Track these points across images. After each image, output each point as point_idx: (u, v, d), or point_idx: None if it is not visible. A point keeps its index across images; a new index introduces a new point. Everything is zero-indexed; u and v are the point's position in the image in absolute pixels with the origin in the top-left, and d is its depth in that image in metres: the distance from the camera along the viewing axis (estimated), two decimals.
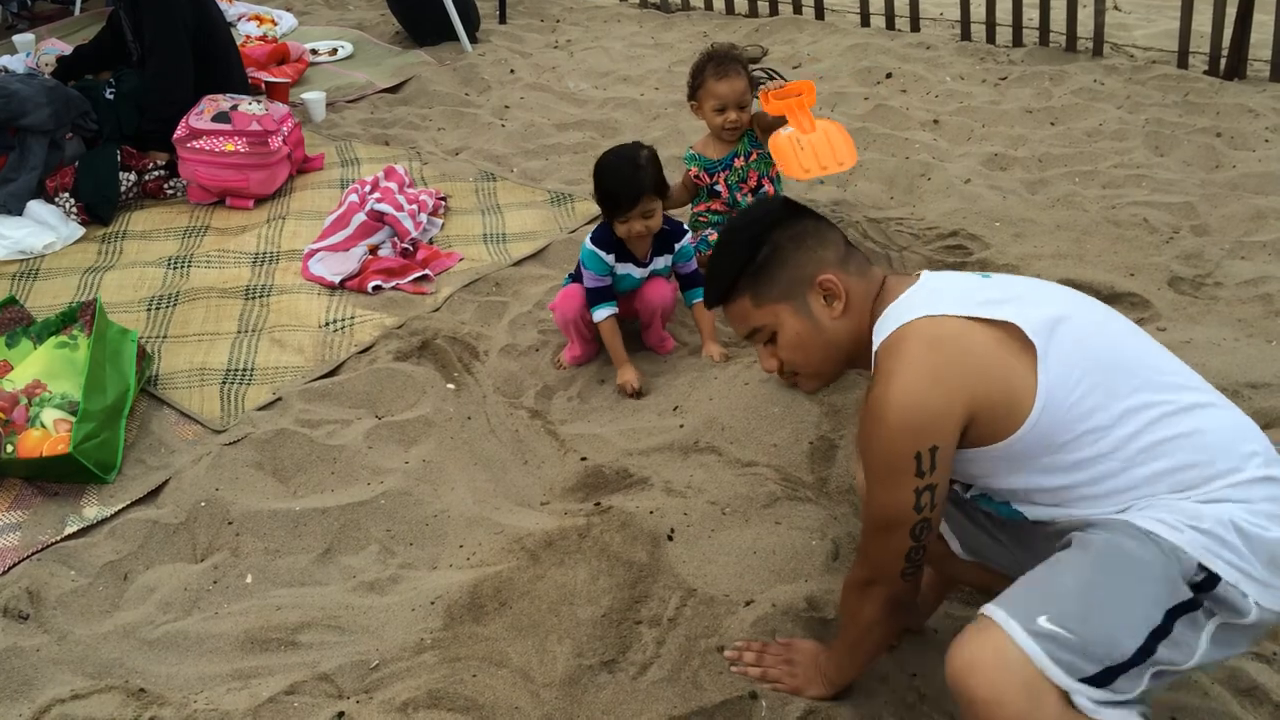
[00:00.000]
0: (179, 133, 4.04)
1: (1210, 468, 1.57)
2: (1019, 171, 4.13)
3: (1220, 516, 1.52)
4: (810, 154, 3.28)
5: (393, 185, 3.86)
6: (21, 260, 3.76)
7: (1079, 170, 4.07)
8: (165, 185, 4.19)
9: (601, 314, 3.04)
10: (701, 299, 2.79)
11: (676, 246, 3.12)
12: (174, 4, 4.20)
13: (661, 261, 3.12)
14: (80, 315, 2.88)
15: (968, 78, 5.00)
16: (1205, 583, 1.50)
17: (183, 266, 3.67)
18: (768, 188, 3.56)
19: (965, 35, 5.46)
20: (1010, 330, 1.62)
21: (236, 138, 4.00)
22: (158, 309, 3.43)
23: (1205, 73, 4.87)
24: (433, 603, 2.32)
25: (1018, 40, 5.33)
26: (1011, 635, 1.46)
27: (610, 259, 3.02)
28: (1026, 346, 1.60)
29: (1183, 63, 4.95)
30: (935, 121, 4.58)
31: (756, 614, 2.21)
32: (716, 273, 1.87)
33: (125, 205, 4.13)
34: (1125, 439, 1.58)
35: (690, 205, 3.63)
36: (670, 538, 2.47)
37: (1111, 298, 3.23)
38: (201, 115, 4.07)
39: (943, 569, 2.05)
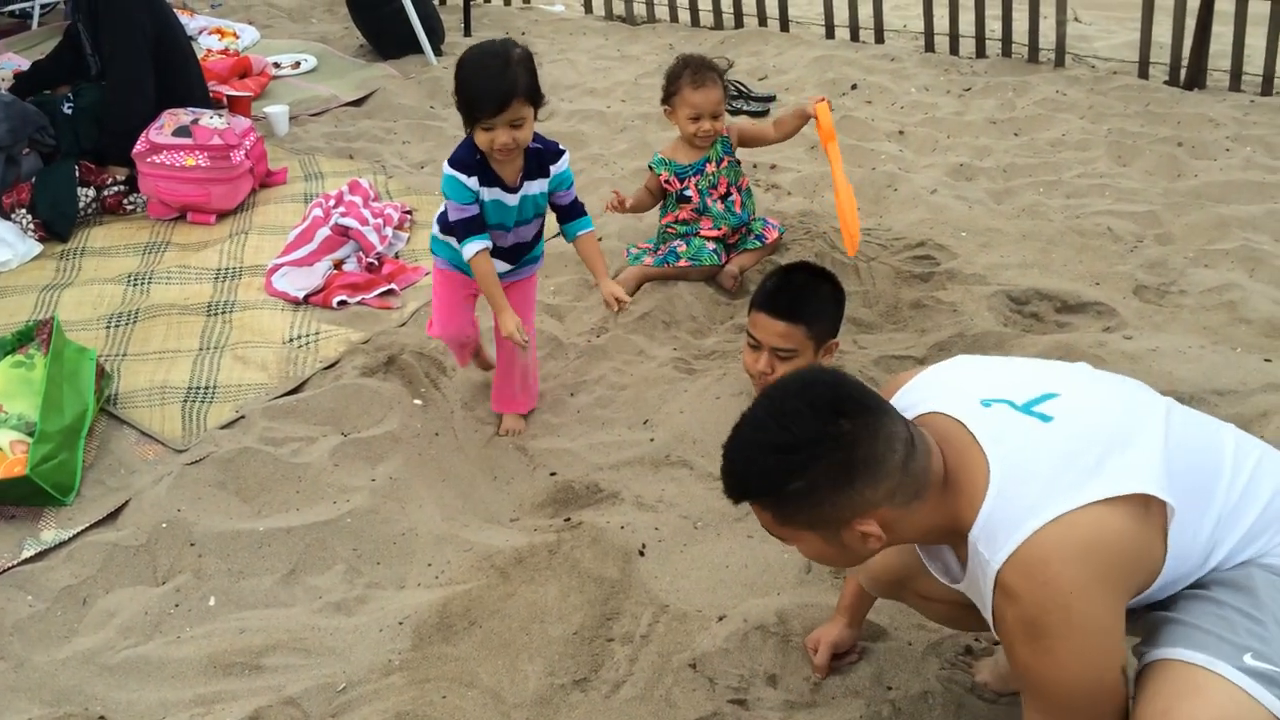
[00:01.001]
0: (139, 147, 3.98)
1: None
2: (984, 181, 4.15)
3: None
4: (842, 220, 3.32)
5: (357, 199, 3.82)
6: None
7: (1043, 180, 4.10)
8: (125, 200, 4.12)
9: (473, 248, 2.59)
10: (586, 231, 2.75)
11: (552, 169, 2.66)
12: (132, 17, 4.14)
13: (535, 187, 2.65)
14: (37, 334, 2.82)
15: (932, 89, 5.03)
16: None
17: (143, 283, 3.60)
18: (735, 197, 3.56)
19: (929, 47, 5.49)
20: (1136, 498, 1.47)
21: (197, 152, 3.95)
22: (117, 326, 3.37)
23: (1166, 83, 4.92)
24: (401, 623, 2.29)
25: (981, 51, 5.37)
26: (1227, 676, 1.41)
27: (474, 182, 2.56)
28: (1153, 507, 1.49)
29: (1143, 73, 5.00)
30: (900, 132, 4.59)
31: (729, 629, 2.19)
32: (737, 470, 1.57)
33: (84, 221, 4.06)
34: (1226, 536, 1.56)
35: (659, 216, 3.62)
36: (642, 553, 2.45)
37: (1077, 306, 3.25)
38: (162, 129, 4.01)
39: (888, 591, 1.98)
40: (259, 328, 3.35)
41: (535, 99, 2.52)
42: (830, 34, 5.74)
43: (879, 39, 5.62)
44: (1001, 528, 1.48)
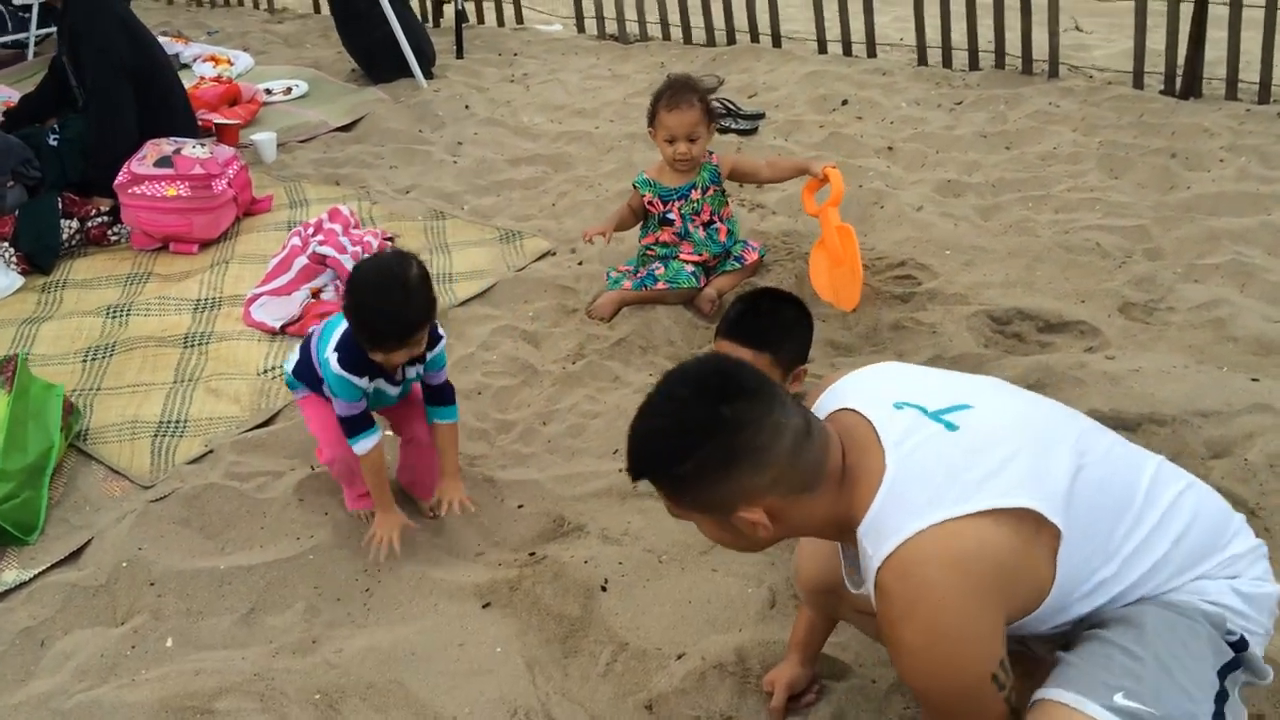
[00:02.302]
0: (121, 178, 3.98)
1: (1205, 561, 1.58)
2: (972, 198, 4.09)
3: (1222, 588, 1.56)
4: (834, 281, 3.40)
5: (336, 227, 3.80)
6: None
7: (1032, 195, 4.04)
8: (109, 232, 4.12)
9: (365, 444, 2.46)
10: (450, 421, 2.60)
11: (428, 355, 2.52)
12: (111, 48, 4.15)
13: (414, 371, 2.55)
14: (1, 371, 2.80)
15: (923, 103, 4.97)
16: (1239, 643, 1.54)
17: (122, 315, 3.60)
18: (720, 226, 3.52)
19: (922, 60, 5.44)
20: (1026, 516, 1.47)
21: (179, 182, 3.94)
22: (94, 360, 3.36)
23: (1161, 92, 4.85)
24: (361, 662, 2.25)
25: (974, 64, 5.31)
26: (1094, 716, 1.42)
27: (364, 381, 2.43)
28: (1044, 527, 1.48)
29: (1138, 83, 4.93)
30: (890, 148, 4.54)
31: (687, 668, 2.14)
32: (633, 450, 1.59)
33: (68, 253, 4.06)
34: (1125, 573, 1.55)
35: (639, 237, 3.58)
36: (604, 588, 2.40)
37: (1060, 326, 3.19)
38: (144, 160, 4.02)
39: (827, 607, 1.98)
40: (234, 359, 3.33)
41: (433, 313, 2.39)
42: (822, 49, 5.70)
43: (871, 53, 5.57)
44: (886, 527, 1.49)
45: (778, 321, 2.63)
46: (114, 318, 3.59)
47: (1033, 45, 5.12)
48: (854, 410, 1.65)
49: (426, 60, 5.70)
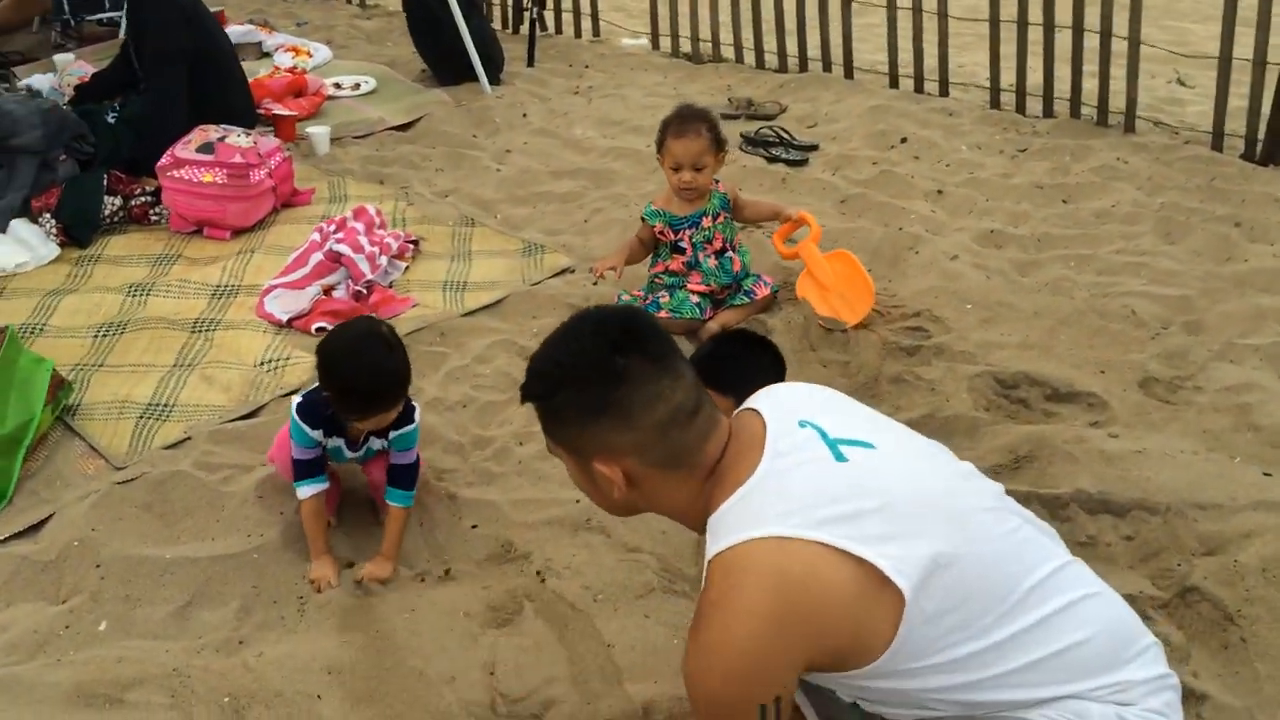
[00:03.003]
0: (163, 161, 4.07)
1: (1092, 678, 1.48)
2: (1013, 250, 3.92)
3: (1108, 714, 1.46)
4: (835, 300, 3.40)
5: (359, 225, 3.83)
6: None
7: (1076, 254, 3.85)
8: (151, 212, 4.22)
9: (305, 490, 2.48)
10: (402, 506, 2.55)
11: (393, 433, 2.51)
12: (170, 32, 4.26)
13: (378, 444, 2.57)
14: None
15: (984, 147, 4.81)
16: None
17: (142, 294, 3.67)
18: (733, 257, 3.44)
19: (994, 103, 5.26)
20: (874, 570, 1.40)
21: (216, 169, 4.02)
22: (104, 336, 3.43)
23: (1241, 156, 4.60)
24: (276, 670, 2.24)
25: (1048, 111, 5.11)
26: None
27: (318, 435, 2.48)
28: (888, 588, 1.40)
29: (1217, 144, 4.69)
30: (939, 192, 4.39)
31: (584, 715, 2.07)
32: (527, 372, 1.62)
33: (109, 229, 4.16)
34: (994, 660, 1.46)
35: (648, 265, 3.52)
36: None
37: (1069, 395, 3.03)
38: (188, 145, 4.10)
39: None
40: (235, 348, 3.37)
41: (407, 384, 2.44)
42: (894, 83, 5.56)
43: (944, 91, 5.41)
44: (729, 524, 1.47)
45: (746, 366, 2.54)
46: (134, 296, 3.67)
47: (1109, 96, 4.91)
48: (758, 413, 1.62)
49: (495, 66, 5.73)
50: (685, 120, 3.26)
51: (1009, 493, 2.59)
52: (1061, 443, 2.76)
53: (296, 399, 2.50)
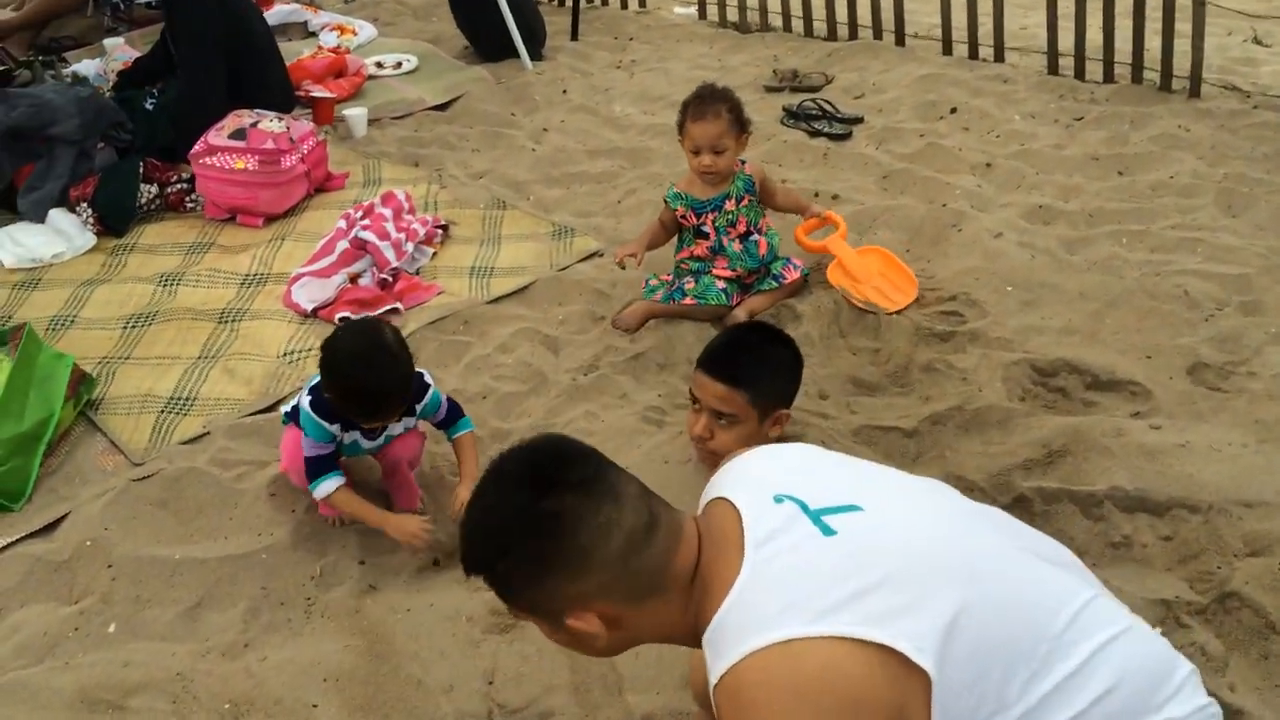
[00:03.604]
0: (196, 148, 4.07)
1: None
2: (1061, 227, 3.74)
3: None
4: (869, 291, 3.29)
5: (387, 211, 3.79)
6: (30, 269, 3.84)
7: (1129, 229, 3.66)
8: (187, 199, 4.23)
9: (325, 488, 2.43)
10: (465, 432, 2.57)
11: (417, 408, 2.51)
12: (203, 16, 4.25)
13: (399, 427, 2.54)
14: (11, 339, 2.89)
15: (1039, 116, 4.60)
16: None
17: (172, 284, 3.67)
18: (759, 240, 3.32)
19: (1052, 69, 5.02)
20: (892, 652, 1.28)
21: (248, 155, 4.00)
22: (133, 328, 3.45)
23: None
24: (277, 675, 2.23)
25: (1109, 76, 4.87)
26: None
27: (335, 428, 2.43)
28: (913, 669, 1.28)
29: None
30: (987, 165, 4.21)
31: None
32: (462, 543, 1.46)
33: (145, 217, 4.18)
34: None
35: (674, 251, 3.42)
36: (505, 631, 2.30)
37: (1110, 384, 2.88)
38: (221, 131, 4.09)
39: None
40: (260, 339, 3.36)
41: (407, 392, 2.43)
42: (948, 50, 5.34)
43: (999, 57, 5.19)
44: (726, 638, 1.33)
45: (761, 359, 2.45)
46: (165, 286, 3.68)
47: (1174, 58, 4.66)
48: (729, 501, 1.48)
49: (536, 41, 5.63)
50: (704, 101, 3.14)
51: (1039, 491, 2.52)
52: (1099, 435, 2.62)
53: (305, 397, 2.46)
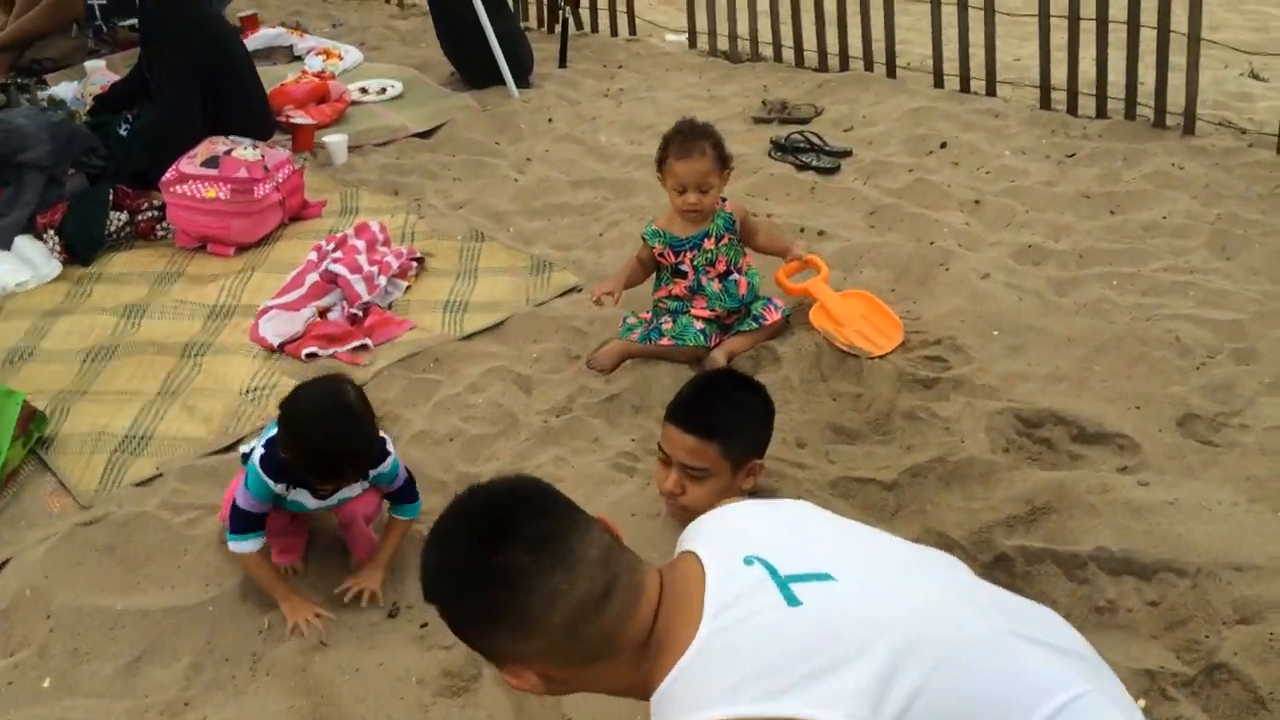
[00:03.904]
0: (167, 175, 3.98)
1: None
2: (1051, 268, 3.65)
3: None
4: (852, 335, 3.18)
5: (360, 243, 3.69)
6: None
7: (1120, 271, 3.57)
8: (158, 226, 4.13)
9: (244, 546, 2.33)
10: (404, 518, 2.50)
11: (372, 474, 2.41)
12: (181, 41, 4.17)
13: (356, 489, 2.44)
14: None
15: (1029, 152, 4.51)
16: None
17: (137, 316, 3.58)
18: (739, 279, 3.23)
19: (1044, 103, 4.95)
20: None
21: (220, 184, 3.91)
22: (93, 361, 3.35)
23: None
24: None
25: (1101, 111, 4.79)
26: None
27: (281, 488, 2.35)
28: None
29: None
30: (976, 202, 4.12)
31: None
32: (422, 566, 1.44)
33: (115, 245, 4.08)
34: None
35: (652, 289, 3.33)
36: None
37: (1098, 436, 2.77)
38: (193, 159, 4.00)
39: None
40: (223, 375, 3.26)
41: (369, 455, 2.36)
42: (939, 82, 5.26)
43: (991, 90, 5.11)
44: (674, 706, 1.28)
45: (732, 409, 2.35)
46: (129, 318, 3.58)
47: (1168, 93, 4.58)
48: (698, 558, 1.42)
49: (523, 68, 5.56)
50: (688, 139, 3.05)
51: (1021, 550, 2.41)
52: (1084, 491, 2.52)
53: (258, 450, 2.36)
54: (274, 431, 2.35)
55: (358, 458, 2.31)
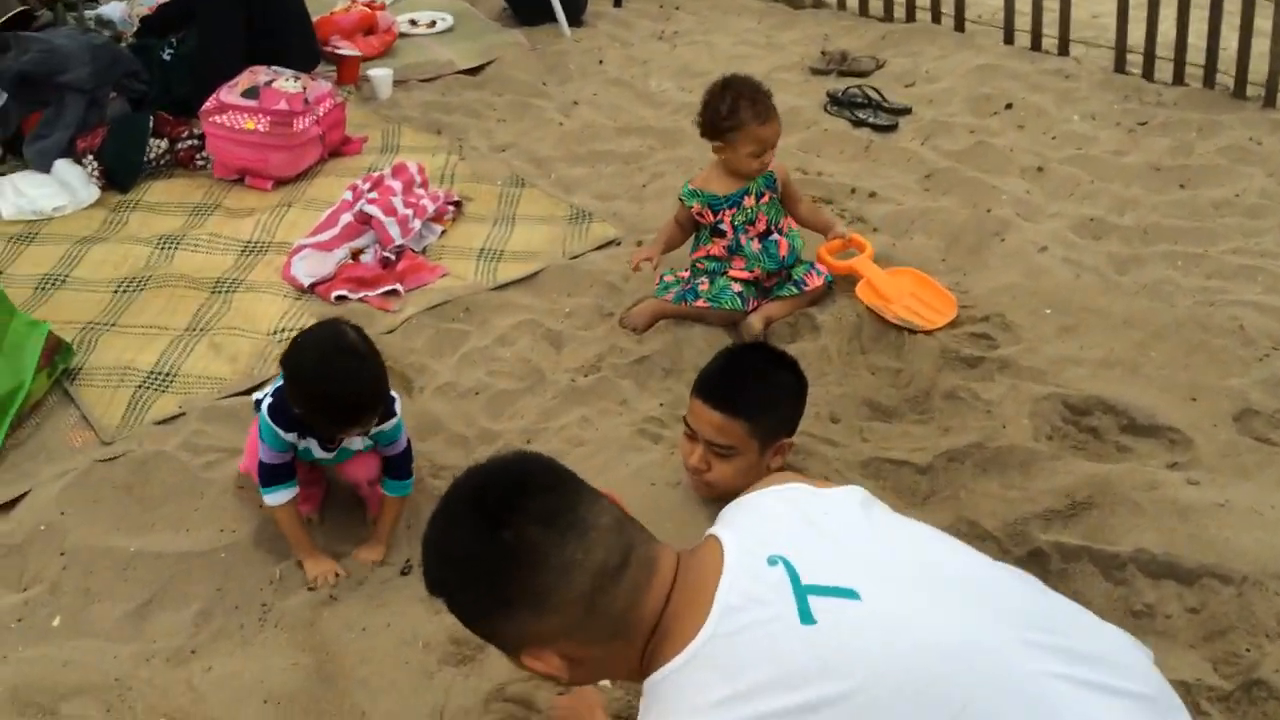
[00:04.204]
0: (207, 105, 3.91)
1: None
2: (1113, 243, 3.48)
3: None
4: (901, 311, 3.04)
5: (396, 184, 3.61)
6: (30, 221, 3.72)
7: (1186, 251, 3.40)
8: (197, 156, 4.08)
9: (277, 498, 2.30)
10: (397, 496, 2.41)
11: (375, 430, 2.33)
12: None
13: (359, 443, 2.36)
14: None
15: (1100, 118, 4.31)
16: None
17: (171, 247, 3.54)
18: (779, 240, 3.11)
19: (1119, 66, 4.72)
20: None
21: (260, 116, 3.84)
22: (125, 292, 3.31)
23: None
24: (218, 691, 2.09)
25: (1179, 77, 4.56)
26: None
27: (292, 437, 2.29)
28: None
29: None
30: (1039, 169, 3.94)
31: None
32: (423, 565, 1.40)
33: (153, 173, 4.04)
34: None
35: (689, 250, 3.22)
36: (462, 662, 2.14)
37: (1149, 429, 2.64)
38: (234, 88, 3.93)
39: None
40: (252, 313, 3.21)
41: (381, 401, 2.27)
42: (1009, 38, 5.04)
43: (1063, 49, 4.89)
44: (657, 701, 1.25)
45: (762, 385, 2.25)
46: (163, 249, 3.54)
47: (1250, 61, 4.33)
48: (723, 545, 1.34)
49: (577, 7, 5.42)
50: (758, 99, 2.96)
51: (1058, 547, 2.30)
52: (1130, 488, 2.40)
53: (266, 399, 2.31)
54: (280, 384, 2.29)
55: (368, 399, 2.21)
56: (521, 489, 1.30)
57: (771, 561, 1.30)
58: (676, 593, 1.30)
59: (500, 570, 1.26)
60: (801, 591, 1.25)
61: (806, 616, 1.23)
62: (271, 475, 2.30)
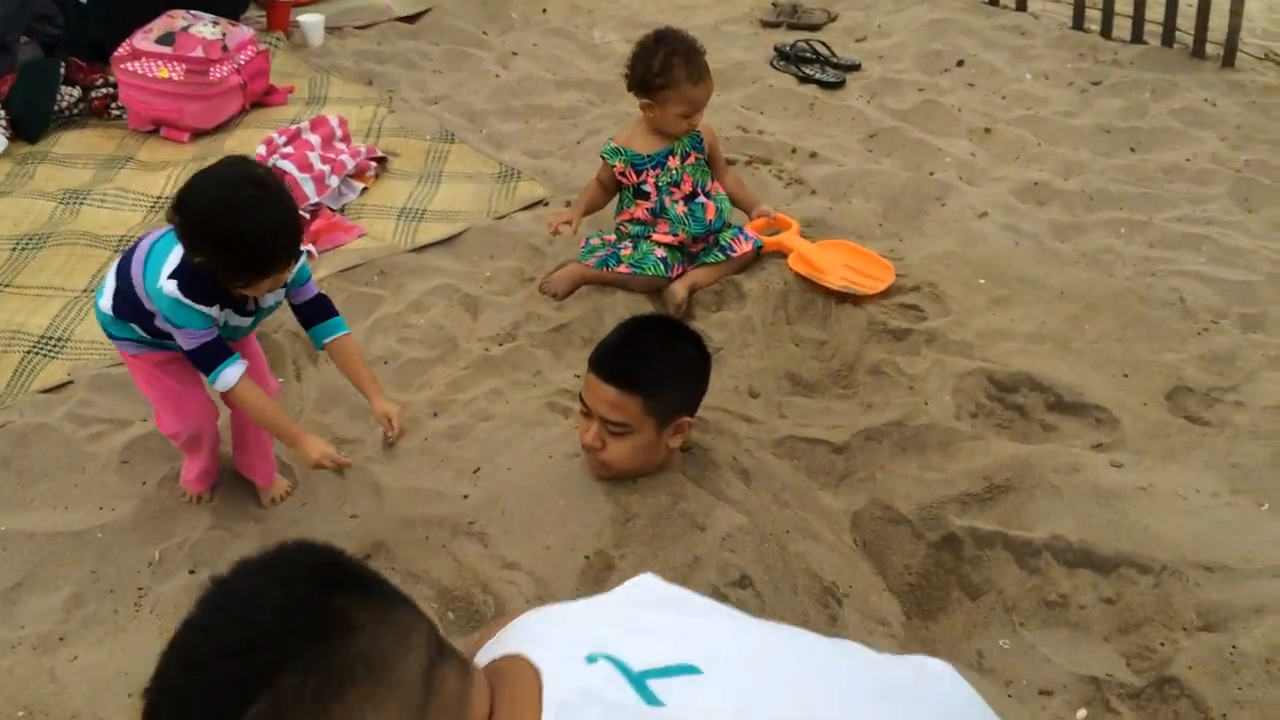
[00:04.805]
0: (120, 51, 3.73)
1: None
2: (1055, 209, 3.37)
3: None
4: (836, 277, 2.92)
5: (314, 139, 3.45)
6: None
7: (1130, 219, 3.29)
8: (111, 105, 3.89)
9: (231, 374, 2.06)
10: (337, 336, 2.25)
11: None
12: None
13: (272, 298, 2.15)
14: None
15: (1053, 77, 4.18)
16: None
17: (76, 202, 3.37)
18: (705, 203, 2.98)
19: (1077, 23, 4.58)
20: None
21: (174, 63, 3.66)
22: (22, 250, 3.15)
23: None
24: (79, 683, 1.98)
25: (1137, 35, 4.43)
26: None
27: (214, 310, 2.04)
28: None
29: None
30: (986, 130, 3.82)
31: None
32: (212, 648, 1.03)
33: (66, 123, 3.85)
34: None
35: (614, 212, 3.08)
36: None
37: (1075, 407, 2.54)
38: (149, 34, 3.74)
39: None
40: None
41: (302, 233, 2.07)
42: None
43: (1020, 5, 4.75)
44: None
45: (659, 360, 2.13)
46: (68, 204, 3.37)
47: (1209, 19, 4.20)
48: (527, 660, 1.14)
49: None
50: (693, 58, 2.83)
51: (972, 532, 2.20)
52: (1050, 470, 2.31)
53: (170, 283, 1.99)
54: (173, 254, 2.03)
55: (292, 232, 1.97)
56: (344, 564, 1.06)
57: (590, 660, 1.13)
58: (500, 705, 1.10)
59: (334, 638, 0.98)
60: (638, 678, 1.10)
61: (651, 699, 1.08)
62: (213, 353, 2.05)
